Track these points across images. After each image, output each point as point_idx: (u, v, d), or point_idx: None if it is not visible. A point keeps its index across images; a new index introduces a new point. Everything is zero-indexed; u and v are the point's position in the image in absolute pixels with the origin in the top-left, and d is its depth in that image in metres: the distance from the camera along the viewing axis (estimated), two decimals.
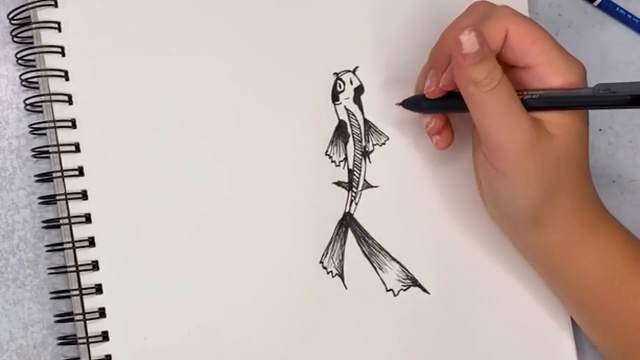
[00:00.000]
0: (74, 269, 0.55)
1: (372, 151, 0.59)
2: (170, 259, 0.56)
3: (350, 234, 0.58)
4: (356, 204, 0.58)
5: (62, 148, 0.56)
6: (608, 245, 0.53)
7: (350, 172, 0.58)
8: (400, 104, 0.57)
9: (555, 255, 0.54)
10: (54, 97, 0.56)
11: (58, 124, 0.56)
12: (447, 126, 0.56)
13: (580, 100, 0.51)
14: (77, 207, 0.56)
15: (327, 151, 0.58)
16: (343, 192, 0.58)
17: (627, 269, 0.52)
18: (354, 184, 0.58)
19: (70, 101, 0.56)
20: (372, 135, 0.59)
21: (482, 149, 0.52)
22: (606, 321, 0.54)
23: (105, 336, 0.55)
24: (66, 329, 0.56)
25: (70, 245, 0.55)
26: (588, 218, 0.53)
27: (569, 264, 0.53)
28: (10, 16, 0.57)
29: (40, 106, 0.56)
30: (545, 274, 0.56)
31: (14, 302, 0.57)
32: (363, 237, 0.58)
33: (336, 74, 0.59)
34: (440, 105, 0.54)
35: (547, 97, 0.51)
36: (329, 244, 0.58)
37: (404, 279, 0.59)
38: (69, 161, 0.56)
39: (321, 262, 0.58)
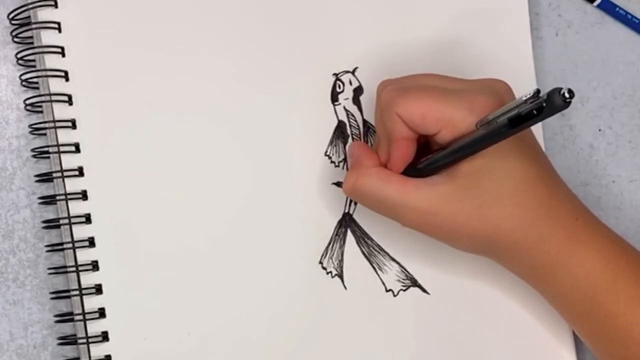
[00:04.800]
0: (74, 269, 0.55)
1: None
2: (170, 259, 0.56)
3: (349, 234, 0.58)
4: (355, 204, 0.58)
5: (62, 148, 0.56)
6: (585, 267, 0.52)
7: None
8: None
9: (536, 277, 0.54)
10: (54, 97, 0.56)
11: (58, 124, 0.56)
12: None
13: (467, 147, 0.50)
14: (77, 207, 0.56)
15: (326, 152, 0.58)
16: (342, 193, 0.58)
17: (603, 288, 0.52)
18: None
19: (70, 101, 0.56)
20: (371, 136, 0.59)
21: None
22: (593, 337, 0.54)
23: (105, 336, 0.55)
24: (66, 329, 0.56)
25: (70, 245, 0.55)
26: (563, 239, 0.52)
27: (550, 286, 0.54)
28: (10, 16, 0.57)
29: (40, 106, 0.56)
30: (535, 289, 0.56)
31: (14, 302, 0.57)
32: (362, 238, 0.58)
33: (335, 74, 0.59)
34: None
35: (434, 161, 0.52)
36: (329, 244, 0.58)
37: (404, 279, 0.59)
38: (69, 161, 0.56)
39: (321, 262, 0.58)
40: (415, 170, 0.53)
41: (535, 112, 0.45)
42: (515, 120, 0.47)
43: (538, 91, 0.45)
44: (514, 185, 0.51)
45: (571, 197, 0.54)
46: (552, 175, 0.53)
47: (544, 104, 0.44)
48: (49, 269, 0.56)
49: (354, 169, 0.54)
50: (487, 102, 0.50)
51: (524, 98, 0.46)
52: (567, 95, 0.44)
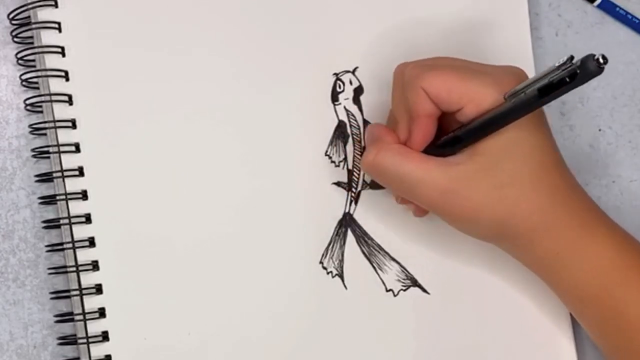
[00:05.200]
0: (74, 269, 0.55)
1: None
2: (170, 259, 0.56)
3: (350, 234, 0.58)
4: (356, 204, 0.58)
5: (62, 148, 0.56)
6: (598, 254, 0.52)
7: (350, 172, 0.59)
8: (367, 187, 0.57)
9: (547, 266, 0.54)
10: (54, 97, 0.56)
11: (58, 124, 0.56)
12: None
13: (493, 121, 0.50)
14: (77, 207, 0.56)
15: (326, 151, 0.58)
16: (342, 193, 0.58)
17: (616, 277, 0.52)
18: (353, 184, 0.58)
19: (70, 101, 0.56)
20: None
21: None
22: (602, 326, 0.54)
23: (105, 336, 0.55)
24: (66, 329, 0.56)
25: (70, 245, 0.55)
26: (576, 227, 0.52)
27: (560, 275, 0.53)
28: (11, 16, 0.57)
29: (40, 106, 0.56)
30: (543, 280, 0.56)
31: (14, 302, 0.57)
32: (363, 238, 0.58)
33: (336, 74, 0.59)
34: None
35: (456, 139, 0.52)
36: (329, 244, 0.58)
37: (404, 279, 0.59)
38: (69, 161, 0.56)
39: (321, 262, 0.58)
40: (436, 149, 0.53)
41: (567, 79, 0.45)
42: (546, 89, 0.46)
43: (572, 57, 0.45)
44: (532, 168, 0.51)
45: (581, 188, 0.54)
46: (565, 166, 0.54)
47: (578, 71, 0.44)
48: (49, 269, 0.56)
49: (373, 145, 0.54)
50: (511, 82, 0.50)
51: (556, 65, 0.45)
52: (601, 60, 0.43)
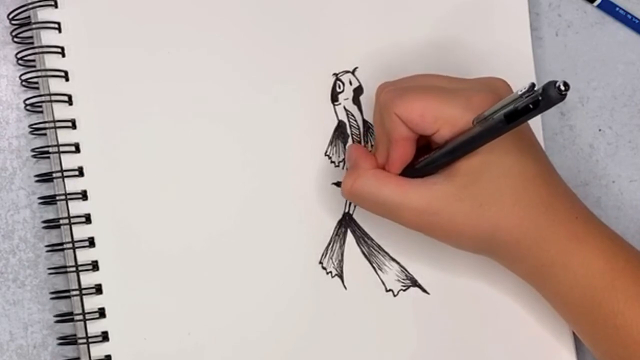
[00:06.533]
0: (74, 269, 0.55)
1: (370, 152, 0.59)
2: (170, 259, 0.56)
3: (349, 234, 0.58)
4: (355, 204, 0.58)
5: (62, 148, 0.56)
6: (586, 265, 0.52)
7: None
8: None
9: (537, 277, 0.54)
10: (54, 97, 0.56)
11: (58, 124, 0.56)
12: None
13: (465, 145, 0.50)
14: (77, 207, 0.56)
15: (326, 152, 0.58)
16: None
17: (604, 287, 0.52)
18: None
19: (70, 101, 0.56)
20: (371, 136, 0.59)
21: None
22: (593, 335, 0.54)
23: (105, 336, 0.55)
24: (66, 329, 0.56)
25: (70, 245, 0.55)
26: (562, 238, 0.52)
27: (550, 286, 0.54)
28: (10, 16, 0.57)
29: (40, 106, 0.56)
30: (535, 289, 0.56)
31: (14, 302, 0.57)
32: (362, 238, 0.58)
33: (335, 74, 0.59)
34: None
35: (432, 161, 0.52)
36: (329, 244, 0.58)
37: (404, 279, 0.59)
38: (69, 161, 0.56)
39: (321, 262, 0.58)
40: (414, 171, 0.53)
41: (531, 106, 0.45)
42: (512, 116, 0.46)
43: (533, 85, 0.45)
44: (513, 183, 0.51)
45: (570, 196, 0.54)
46: (552, 174, 0.53)
47: (540, 98, 0.44)
48: (49, 269, 0.56)
49: (351, 171, 0.54)
50: (484, 100, 0.50)
51: (519, 92, 0.46)
52: (562, 87, 0.43)
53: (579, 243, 0.52)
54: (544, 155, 0.54)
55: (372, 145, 0.59)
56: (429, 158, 0.52)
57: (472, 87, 0.52)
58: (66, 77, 0.56)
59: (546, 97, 0.44)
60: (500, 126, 0.47)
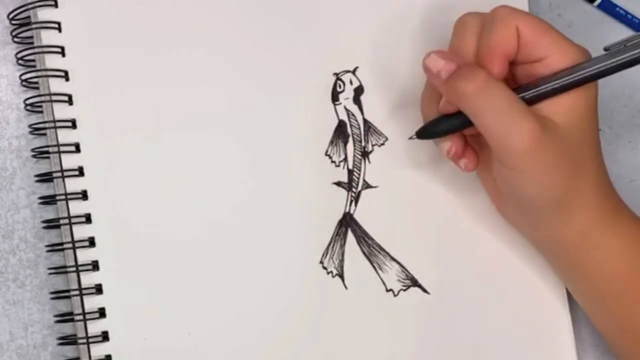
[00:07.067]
0: (74, 269, 0.55)
1: (371, 151, 0.59)
2: (170, 259, 0.56)
3: (350, 234, 0.58)
4: (356, 204, 0.58)
5: (62, 148, 0.56)
6: (628, 235, 0.53)
7: (350, 172, 0.59)
8: (414, 137, 0.55)
9: (579, 248, 0.54)
10: (54, 97, 0.56)
11: (58, 124, 0.56)
12: (468, 146, 0.55)
13: (581, 75, 0.50)
14: (77, 207, 0.56)
15: (327, 151, 0.58)
16: (343, 193, 0.58)
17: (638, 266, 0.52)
18: (353, 184, 0.58)
19: (70, 101, 0.56)
20: (372, 135, 0.59)
21: (494, 153, 0.52)
22: (623, 314, 0.54)
23: (105, 336, 0.55)
24: (66, 329, 0.56)
25: (70, 245, 0.55)
26: (609, 206, 0.53)
27: (592, 256, 0.53)
28: (10, 16, 0.57)
29: (40, 106, 0.56)
30: (564, 268, 0.56)
31: (14, 302, 0.57)
32: (363, 237, 0.58)
33: (336, 74, 0.59)
34: (458, 124, 0.53)
35: (544, 86, 0.51)
36: (329, 244, 0.58)
37: (404, 279, 0.59)
38: (69, 161, 0.56)
39: (321, 262, 0.58)
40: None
41: None
42: None
43: None
44: (588, 143, 0.52)
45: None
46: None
47: None
48: (49, 269, 0.56)
49: (467, 71, 0.50)
50: (585, 53, 0.52)
51: None
52: None
53: (618, 219, 0.53)
54: None
55: (372, 145, 0.59)
56: (537, 87, 0.51)
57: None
58: (66, 77, 0.56)
59: None
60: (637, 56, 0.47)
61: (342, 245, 0.58)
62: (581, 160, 0.52)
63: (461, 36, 0.53)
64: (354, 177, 0.58)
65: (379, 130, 0.59)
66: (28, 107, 0.57)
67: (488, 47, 0.51)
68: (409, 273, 0.59)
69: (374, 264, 0.58)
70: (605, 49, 0.49)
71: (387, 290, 0.58)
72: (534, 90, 0.51)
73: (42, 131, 0.56)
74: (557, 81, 0.50)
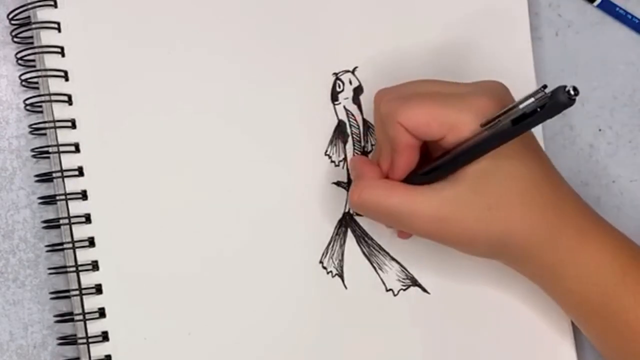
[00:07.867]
0: (74, 269, 0.55)
1: (371, 151, 0.59)
2: (170, 258, 0.56)
3: (350, 234, 0.58)
4: None
5: (62, 148, 0.56)
6: (595, 262, 0.52)
7: (350, 172, 0.59)
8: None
9: (547, 278, 0.54)
10: (54, 97, 0.56)
11: (58, 124, 0.56)
12: None
13: (472, 150, 0.50)
14: (77, 207, 0.56)
15: (326, 151, 0.58)
16: (342, 192, 0.58)
17: (614, 283, 0.52)
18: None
19: (70, 101, 0.56)
20: (371, 135, 0.59)
21: None
22: (604, 333, 0.54)
23: (105, 336, 0.55)
24: (66, 329, 0.56)
25: (70, 245, 0.55)
26: (572, 236, 0.52)
27: (560, 286, 0.54)
28: (10, 16, 0.57)
29: (40, 106, 0.56)
30: (544, 291, 0.56)
31: (14, 302, 0.57)
32: (363, 237, 0.58)
33: (335, 74, 0.59)
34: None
35: (439, 167, 0.51)
36: (329, 244, 0.58)
37: (404, 278, 0.59)
38: (69, 161, 0.56)
39: (321, 262, 0.58)
40: (419, 177, 0.53)
41: (539, 110, 0.45)
42: (520, 120, 0.46)
43: (544, 87, 0.45)
44: (520, 185, 0.51)
45: (575, 196, 0.54)
46: (556, 175, 0.53)
47: (549, 102, 0.44)
48: (49, 269, 0.56)
49: (357, 182, 0.54)
50: (489, 103, 0.50)
51: (528, 96, 0.46)
52: (572, 92, 0.43)
53: (587, 240, 0.52)
54: (546, 157, 0.54)
55: (372, 145, 0.59)
56: (435, 164, 0.52)
57: (474, 91, 0.52)
58: (66, 77, 0.56)
59: (555, 101, 0.44)
60: (509, 130, 0.47)
61: (342, 245, 0.58)
62: (509, 212, 0.51)
63: (375, 118, 0.54)
64: None
65: None
66: (28, 107, 0.57)
67: (389, 140, 0.52)
68: (408, 273, 0.59)
69: (374, 264, 0.58)
70: (480, 126, 0.49)
71: (387, 290, 0.58)
72: (431, 167, 0.52)
73: (42, 131, 0.56)
74: (449, 157, 0.51)
